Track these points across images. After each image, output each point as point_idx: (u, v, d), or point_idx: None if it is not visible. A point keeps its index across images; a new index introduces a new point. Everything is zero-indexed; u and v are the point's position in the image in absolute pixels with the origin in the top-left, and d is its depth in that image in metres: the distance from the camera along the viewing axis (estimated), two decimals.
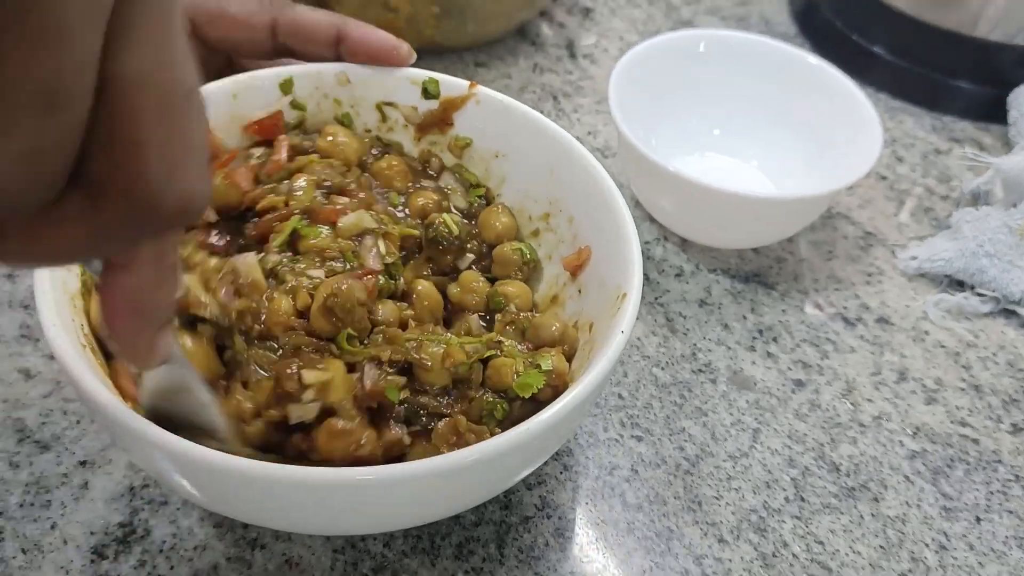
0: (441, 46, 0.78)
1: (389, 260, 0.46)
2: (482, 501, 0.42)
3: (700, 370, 0.58)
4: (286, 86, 0.53)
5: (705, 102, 0.70)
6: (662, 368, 0.58)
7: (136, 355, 0.31)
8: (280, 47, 0.55)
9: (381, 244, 0.46)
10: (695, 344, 0.59)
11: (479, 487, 0.39)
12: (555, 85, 0.78)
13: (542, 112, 0.53)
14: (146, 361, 0.31)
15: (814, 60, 0.66)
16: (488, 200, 0.55)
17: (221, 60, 0.57)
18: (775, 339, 0.60)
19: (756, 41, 0.69)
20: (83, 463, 0.48)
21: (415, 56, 0.54)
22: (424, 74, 0.53)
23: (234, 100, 0.52)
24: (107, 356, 0.42)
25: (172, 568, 0.45)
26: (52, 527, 0.46)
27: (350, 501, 0.35)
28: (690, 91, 0.69)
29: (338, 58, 0.54)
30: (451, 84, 0.53)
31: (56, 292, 0.40)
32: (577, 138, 0.51)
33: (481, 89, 0.53)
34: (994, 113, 0.78)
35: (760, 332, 0.61)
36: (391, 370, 0.42)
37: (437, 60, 0.79)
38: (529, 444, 0.37)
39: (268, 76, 0.53)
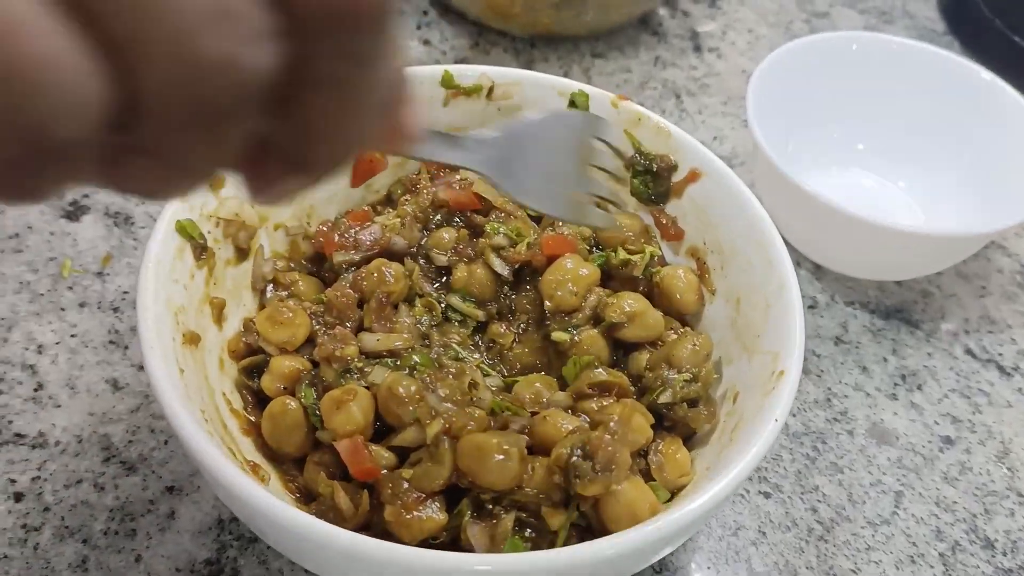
0: (557, 35, 0.73)
1: None
2: None
3: (835, 419, 0.52)
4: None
5: (850, 112, 0.63)
6: (793, 414, 0.52)
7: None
8: None
9: None
10: (830, 388, 0.54)
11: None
12: (678, 82, 0.72)
13: (663, 112, 0.48)
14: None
15: (987, 76, 0.59)
16: None
17: None
18: (920, 387, 0.54)
19: (918, 48, 0.61)
20: (170, 489, 0.45)
21: None
22: (573, 85, 0.50)
23: None
24: None
25: None
26: (136, 560, 0.43)
27: None
28: (834, 99, 0.63)
29: None
30: (596, 96, 0.50)
31: (158, 306, 0.38)
32: (702, 142, 0.48)
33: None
34: None
35: (903, 378, 0.55)
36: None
37: (551, 50, 0.73)
38: (671, 538, 0.33)
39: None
